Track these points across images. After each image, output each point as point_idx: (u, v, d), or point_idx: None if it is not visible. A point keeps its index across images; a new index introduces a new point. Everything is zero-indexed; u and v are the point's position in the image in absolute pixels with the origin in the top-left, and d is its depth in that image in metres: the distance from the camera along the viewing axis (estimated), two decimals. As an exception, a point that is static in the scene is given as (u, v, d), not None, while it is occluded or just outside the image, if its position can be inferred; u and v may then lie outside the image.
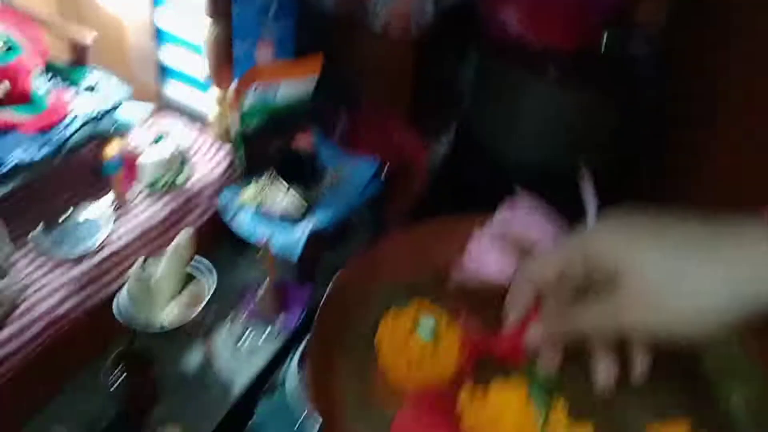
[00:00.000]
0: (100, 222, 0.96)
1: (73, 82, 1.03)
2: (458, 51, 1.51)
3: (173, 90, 1.24)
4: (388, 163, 1.30)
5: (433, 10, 1.43)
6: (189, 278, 0.97)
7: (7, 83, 0.92)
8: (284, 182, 1.07)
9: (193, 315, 0.91)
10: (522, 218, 0.72)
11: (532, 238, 0.70)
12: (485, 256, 0.70)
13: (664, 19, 1.04)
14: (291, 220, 1.08)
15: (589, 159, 1.06)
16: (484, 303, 0.64)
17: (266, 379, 0.96)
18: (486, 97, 1.32)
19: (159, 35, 1.19)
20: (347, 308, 0.64)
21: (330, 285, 0.64)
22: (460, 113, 1.41)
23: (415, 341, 0.59)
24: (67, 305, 0.85)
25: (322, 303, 0.63)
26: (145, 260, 0.93)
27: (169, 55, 1.21)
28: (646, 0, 1.02)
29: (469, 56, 1.49)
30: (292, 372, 0.92)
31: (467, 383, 0.57)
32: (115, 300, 0.90)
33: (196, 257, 0.96)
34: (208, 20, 1.01)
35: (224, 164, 1.13)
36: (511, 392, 0.55)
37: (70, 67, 1.05)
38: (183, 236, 0.95)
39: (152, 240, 1.01)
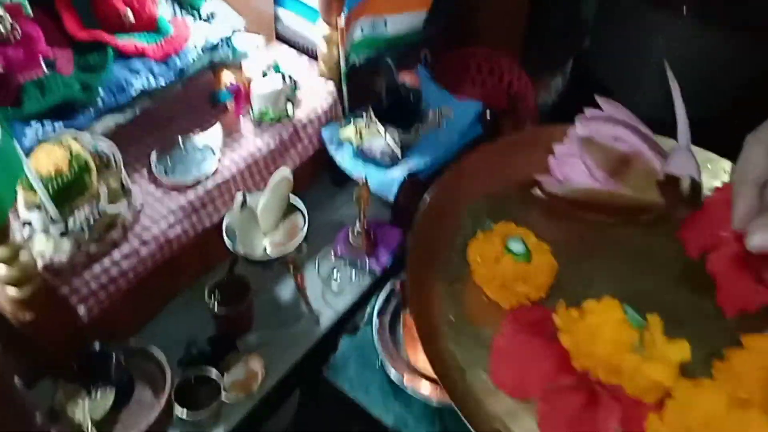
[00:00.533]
0: (211, 150, 1.02)
1: (192, 9, 1.06)
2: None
3: (286, 19, 1.25)
4: (494, 104, 1.27)
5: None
6: (288, 211, 1.02)
7: (130, 12, 0.96)
8: (381, 125, 1.07)
9: (291, 248, 0.96)
10: (607, 127, 0.73)
11: (620, 149, 0.71)
12: (572, 166, 0.71)
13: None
14: (389, 160, 1.09)
15: (728, 111, 0.97)
16: (574, 209, 0.69)
17: (352, 315, 1.02)
18: (609, 33, 1.23)
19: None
20: (440, 223, 0.68)
21: (422, 201, 0.67)
22: (578, 50, 1.34)
23: (507, 261, 0.62)
24: (177, 230, 0.93)
25: (415, 220, 0.66)
26: (247, 191, 0.99)
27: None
28: None
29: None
30: (375, 314, 0.97)
31: (560, 303, 0.60)
32: (222, 226, 0.97)
33: (293, 194, 1.00)
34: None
35: (329, 99, 1.14)
36: (607, 311, 0.57)
37: (190, -6, 1.08)
38: (285, 171, 0.99)
39: (259, 170, 1.06)
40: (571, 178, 0.71)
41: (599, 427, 0.55)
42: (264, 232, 0.98)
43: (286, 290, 1.04)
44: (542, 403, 0.57)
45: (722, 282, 0.63)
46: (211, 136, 1.04)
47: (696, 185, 0.70)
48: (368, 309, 0.99)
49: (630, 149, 0.72)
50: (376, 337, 0.95)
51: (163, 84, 0.96)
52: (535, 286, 0.62)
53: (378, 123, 1.11)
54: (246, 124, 1.08)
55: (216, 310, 0.93)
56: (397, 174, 1.07)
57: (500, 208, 0.68)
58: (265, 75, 1.12)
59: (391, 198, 1.07)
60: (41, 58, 0.87)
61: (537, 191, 0.71)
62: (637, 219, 0.71)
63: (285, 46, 1.25)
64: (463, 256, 0.66)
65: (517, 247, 0.63)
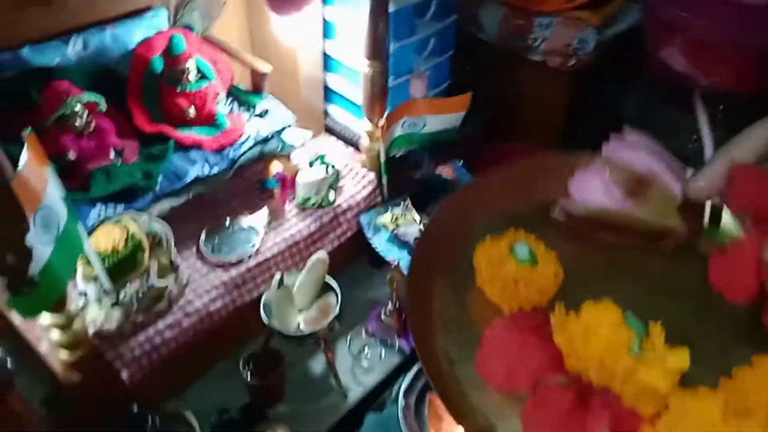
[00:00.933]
0: (256, 231, 1.11)
1: (249, 106, 1.18)
2: (619, 82, 1.47)
3: (334, 113, 1.37)
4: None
5: (595, 42, 1.41)
6: (323, 290, 1.08)
7: (192, 109, 1.09)
8: (416, 213, 1.14)
9: (323, 325, 1.02)
10: (628, 152, 0.72)
11: (640, 170, 0.70)
12: (591, 187, 0.70)
13: None
14: (423, 246, 1.15)
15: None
16: (588, 230, 0.69)
17: (379, 393, 1.05)
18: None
19: (326, 63, 1.32)
20: (450, 232, 0.68)
21: (435, 209, 0.73)
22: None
23: (510, 264, 0.61)
24: (218, 304, 1.00)
25: (426, 225, 0.71)
26: (286, 270, 1.06)
27: (333, 81, 1.33)
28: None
29: (631, 89, 1.45)
30: (401, 393, 1.00)
31: (559, 304, 0.57)
32: (261, 303, 1.04)
33: (330, 274, 1.07)
34: (365, 61, 1.10)
35: (369, 188, 1.23)
36: (604, 311, 0.55)
37: (249, 92, 1.21)
38: (322, 253, 1.07)
39: (299, 251, 1.14)
40: (590, 198, 0.70)
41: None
42: (299, 309, 1.05)
43: (317, 365, 1.09)
44: (530, 399, 0.54)
45: None
46: (257, 218, 1.13)
47: (719, 213, 0.68)
48: (395, 388, 1.02)
49: (649, 171, 0.70)
50: (401, 415, 0.97)
51: (216, 172, 1.07)
52: (537, 291, 0.61)
53: (414, 211, 1.18)
54: (290, 209, 1.17)
55: (249, 380, 0.99)
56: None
57: (515, 224, 0.66)
58: (311, 165, 1.22)
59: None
60: (111, 149, 1.00)
61: (556, 213, 0.70)
62: (656, 246, 0.68)
63: (332, 138, 1.36)
64: (472, 264, 0.65)
65: (522, 251, 0.63)
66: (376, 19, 1.05)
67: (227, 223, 1.11)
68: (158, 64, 1.08)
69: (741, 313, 0.61)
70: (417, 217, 1.15)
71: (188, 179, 1.04)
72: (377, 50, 1.09)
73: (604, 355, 0.52)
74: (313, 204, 1.17)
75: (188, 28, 1.17)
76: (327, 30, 1.27)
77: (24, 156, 0.70)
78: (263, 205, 1.15)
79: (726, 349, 0.58)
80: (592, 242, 0.68)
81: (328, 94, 1.37)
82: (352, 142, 1.33)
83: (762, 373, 0.51)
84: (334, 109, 1.38)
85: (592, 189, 0.70)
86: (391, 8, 1.08)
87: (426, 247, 0.66)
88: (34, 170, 0.72)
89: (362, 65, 1.12)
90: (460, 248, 0.66)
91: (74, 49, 1.02)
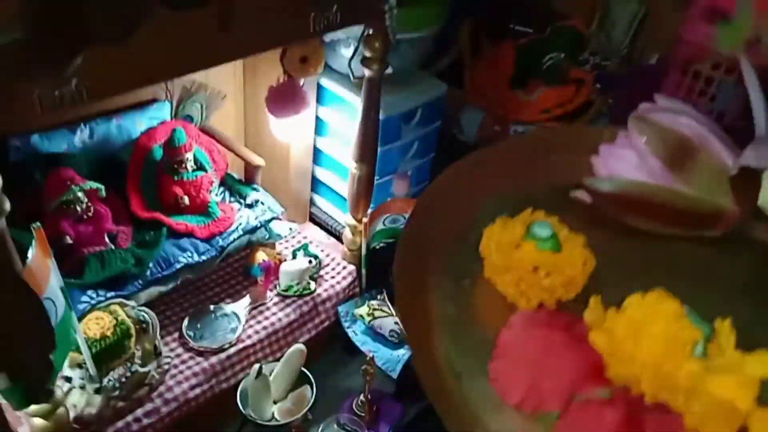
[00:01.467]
0: (238, 318, 1.15)
1: (240, 196, 1.24)
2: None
3: (320, 203, 1.44)
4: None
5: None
6: (299, 381, 1.11)
7: (187, 198, 1.14)
8: (392, 306, 1.20)
9: (298, 416, 1.05)
10: (667, 115, 0.57)
11: (684, 135, 0.55)
12: (623, 158, 0.56)
13: None
14: (397, 339, 1.20)
15: None
16: (618, 214, 0.52)
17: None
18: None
19: (316, 156, 1.39)
20: (445, 215, 0.56)
21: (426, 189, 0.55)
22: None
23: (528, 247, 0.48)
24: (197, 391, 1.03)
25: (415, 208, 0.55)
26: (265, 359, 1.10)
27: (321, 173, 1.41)
28: None
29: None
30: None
31: (594, 297, 0.44)
32: (238, 390, 1.07)
33: (306, 362, 1.11)
34: (353, 163, 1.17)
35: (349, 279, 1.28)
36: (658, 303, 0.42)
37: (241, 182, 1.27)
38: (299, 346, 1.11)
39: (278, 340, 1.17)
40: (620, 172, 0.56)
41: None
42: (274, 399, 1.08)
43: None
44: (561, 420, 0.41)
45: None
46: (240, 305, 1.17)
47: None
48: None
49: (695, 136, 0.56)
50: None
51: (204, 260, 1.12)
52: (562, 281, 0.48)
53: (389, 303, 1.23)
54: (271, 296, 1.22)
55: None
56: (403, 352, 1.18)
57: (527, 207, 0.53)
58: (294, 254, 1.27)
59: (395, 375, 1.17)
60: (106, 234, 1.04)
61: (578, 194, 0.57)
62: (701, 233, 0.56)
63: (316, 228, 1.42)
64: (475, 251, 0.53)
65: (542, 230, 0.49)
66: (366, 126, 1.12)
67: (211, 308, 1.15)
68: (158, 153, 1.13)
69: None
70: (393, 311, 1.20)
71: (178, 266, 1.08)
72: (365, 154, 1.16)
73: (660, 360, 0.40)
74: (295, 292, 1.22)
75: (189, 118, 1.24)
76: (319, 127, 1.35)
77: (32, 248, 0.74)
78: (246, 292, 1.20)
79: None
80: (622, 230, 0.55)
81: (316, 184, 1.44)
82: (334, 233, 1.39)
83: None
84: (320, 200, 1.44)
85: (624, 160, 0.57)
86: (381, 116, 1.17)
87: (415, 233, 0.53)
88: (39, 261, 0.76)
89: (350, 165, 1.20)
90: (459, 235, 0.54)
91: (80, 137, 1.07)
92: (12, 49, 0.65)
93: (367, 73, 1.04)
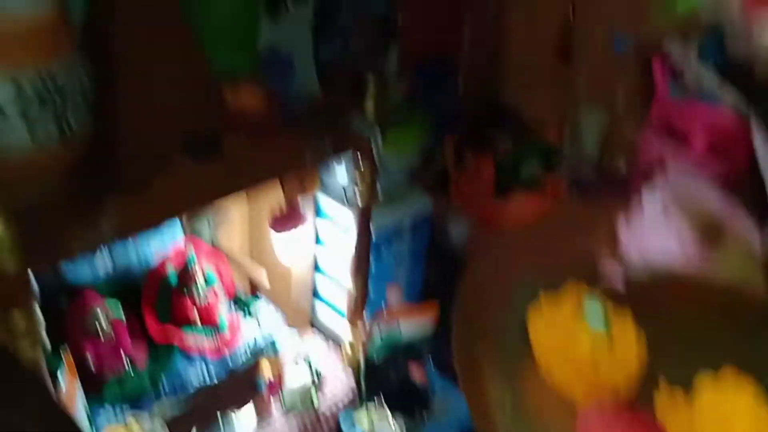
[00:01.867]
0: (245, 430, 1.21)
1: (246, 309, 1.33)
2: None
3: (320, 310, 1.52)
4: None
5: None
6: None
7: (197, 314, 1.23)
8: (388, 410, 1.26)
9: None
10: (694, 187, 0.56)
11: (715, 207, 0.52)
12: (657, 233, 0.52)
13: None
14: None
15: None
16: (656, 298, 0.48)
17: None
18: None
19: (316, 265, 1.49)
20: (486, 309, 0.54)
21: (461, 285, 0.56)
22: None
23: (584, 331, 0.44)
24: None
25: (456, 307, 0.54)
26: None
27: (321, 281, 1.50)
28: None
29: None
30: None
31: (661, 382, 0.41)
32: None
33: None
34: (349, 278, 1.28)
35: (349, 389, 1.35)
36: (734, 388, 0.38)
37: (246, 297, 1.37)
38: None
39: (282, 450, 1.23)
40: (653, 250, 0.52)
41: None
42: None
43: None
44: None
45: None
46: (246, 416, 1.23)
47: None
48: None
49: (723, 212, 0.53)
50: None
51: (215, 380, 1.19)
52: (621, 369, 0.43)
53: (387, 409, 1.30)
54: (276, 406, 1.28)
55: None
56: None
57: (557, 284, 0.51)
58: (296, 363, 1.35)
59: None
60: (124, 355, 1.12)
61: (608, 281, 0.54)
62: (733, 316, 0.51)
63: (317, 337, 1.50)
64: (520, 333, 0.50)
65: (594, 312, 0.44)
66: (359, 246, 1.23)
67: (219, 421, 1.21)
68: (173, 278, 1.24)
69: None
70: (389, 416, 1.27)
71: (190, 388, 1.15)
72: (359, 269, 1.27)
73: None
74: (300, 406, 1.28)
75: (198, 234, 1.35)
76: (318, 238, 1.46)
77: (62, 373, 0.83)
78: (251, 401, 1.26)
79: None
80: (655, 315, 0.50)
81: (316, 292, 1.53)
82: (335, 339, 1.47)
83: None
84: (320, 306, 1.53)
85: (659, 236, 0.53)
86: (374, 237, 1.28)
87: (464, 325, 0.53)
88: (69, 384, 0.85)
89: (346, 278, 1.30)
90: (502, 325, 0.52)
91: (102, 263, 1.18)
92: (50, 200, 0.76)
93: (359, 202, 1.16)
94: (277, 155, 0.93)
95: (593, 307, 0.45)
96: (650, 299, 0.52)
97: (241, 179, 0.89)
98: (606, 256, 0.55)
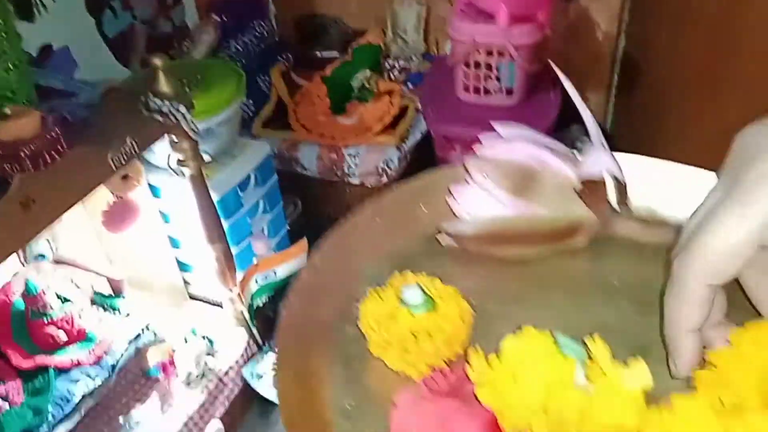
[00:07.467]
0: (152, 421, 1.22)
1: (114, 309, 1.31)
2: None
3: (192, 279, 1.51)
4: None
5: (398, 157, 1.67)
6: (225, 454, 1.21)
7: (63, 333, 1.20)
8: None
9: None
10: (502, 146, 0.59)
11: (521, 162, 0.57)
12: (472, 198, 0.58)
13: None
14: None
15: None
16: (487, 250, 0.55)
17: None
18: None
19: (173, 242, 1.47)
20: (328, 294, 0.53)
21: (298, 275, 0.53)
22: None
23: (404, 316, 0.47)
24: (133, 504, 1.11)
25: (288, 296, 0.51)
26: (188, 448, 1.19)
27: (182, 254, 1.48)
28: None
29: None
30: None
31: (472, 350, 0.43)
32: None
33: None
34: (207, 245, 1.27)
35: (243, 343, 1.38)
36: (529, 343, 0.41)
37: (110, 296, 1.33)
38: (215, 422, 1.20)
39: (195, 424, 1.26)
40: (477, 211, 0.58)
41: None
42: (209, 480, 1.17)
43: None
44: None
45: None
46: (149, 407, 1.24)
47: (622, 188, 0.58)
48: None
49: (532, 160, 0.58)
50: None
51: (100, 382, 1.18)
52: (444, 341, 0.47)
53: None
54: (177, 386, 1.30)
55: None
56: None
57: (405, 266, 0.53)
58: (186, 340, 1.35)
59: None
60: (-3, 399, 1.09)
61: (445, 239, 0.57)
62: (567, 246, 0.57)
63: (198, 303, 1.50)
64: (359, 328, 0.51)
65: (412, 295, 0.48)
66: (204, 215, 1.22)
67: (121, 420, 1.21)
68: (20, 305, 1.18)
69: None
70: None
71: (75, 400, 1.14)
72: (213, 235, 1.26)
73: (545, 402, 0.39)
74: (197, 377, 1.30)
75: (41, 257, 1.29)
76: (165, 217, 1.42)
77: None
78: (151, 392, 1.27)
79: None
80: (494, 262, 0.56)
81: (182, 266, 1.51)
82: (217, 303, 1.48)
83: (743, 352, 0.39)
84: (191, 277, 1.52)
85: (475, 200, 0.58)
86: (215, 197, 1.26)
87: (293, 326, 0.49)
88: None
89: (207, 246, 1.29)
90: (344, 314, 0.52)
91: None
92: None
93: (186, 172, 1.14)
94: (79, 171, 0.87)
95: (411, 293, 0.47)
96: (481, 250, 0.56)
97: (44, 213, 0.83)
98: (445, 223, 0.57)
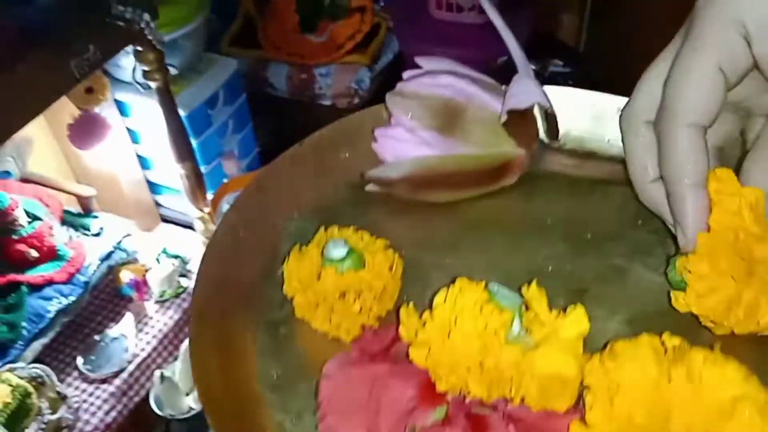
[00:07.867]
0: (126, 337, 1.24)
1: (85, 229, 1.30)
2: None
3: (164, 201, 1.51)
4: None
5: (370, 78, 1.65)
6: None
7: (33, 251, 1.19)
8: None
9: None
10: (424, 81, 0.54)
11: (445, 97, 0.52)
12: (396, 140, 0.53)
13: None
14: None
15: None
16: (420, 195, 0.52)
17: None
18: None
19: (142, 162, 1.45)
20: (246, 250, 0.48)
21: (216, 230, 0.49)
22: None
23: (328, 274, 0.43)
24: (113, 413, 1.13)
25: (203, 260, 0.46)
26: (165, 362, 1.21)
27: (153, 175, 1.47)
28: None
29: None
30: None
31: (404, 306, 0.39)
32: (150, 398, 1.17)
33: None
34: (176, 165, 1.25)
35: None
36: (462, 295, 0.35)
37: (81, 215, 1.32)
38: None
39: (170, 342, 1.28)
40: (400, 154, 0.53)
41: None
42: (186, 392, 1.20)
43: None
44: None
45: None
46: (124, 325, 1.25)
47: (551, 119, 0.55)
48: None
49: (457, 94, 0.53)
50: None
51: (73, 299, 1.18)
52: (374, 298, 0.44)
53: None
54: (151, 306, 1.31)
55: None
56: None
57: (331, 219, 0.48)
58: (158, 260, 1.35)
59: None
60: (-31, 314, 1.09)
61: (371, 186, 0.53)
62: (499, 185, 0.53)
63: (171, 226, 1.50)
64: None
65: (337, 251, 0.44)
66: (172, 131, 1.20)
67: (97, 338, 1.23)
68: (-11, 225, 1.16)
69: (624, 231, 0.48)
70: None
71: (49, 316, 1.14)
72: (182, 153, 1.24)
73: (479, 357, 0.36)
74: (170, 295, 1.31)
75: (6, 174, 1.26)
76: (134, 136, 1.40)
77: None
78: (126, 311, 1.28)
79: (613, 275, 0.45)
80: (424, 209, 0.52)
81: (154, 187, 1.50)
82: (189, 224, 1.48)
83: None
84: (163, 199, 1.51)
85: (399, 142, 0.53)
86: (183, 113, 1.24)
87: (213, 281, 0.44)
88: None
89: (175, 167, 1.27)
90: (267, 277, 0.47)
91: None
92: None
93: (152, 84, 1.11)
94: (38, 78, 0.85)
95: (335, 246, 0.43)
96: (409, 193, 0.52)
97: (5, 124, 0.80)
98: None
